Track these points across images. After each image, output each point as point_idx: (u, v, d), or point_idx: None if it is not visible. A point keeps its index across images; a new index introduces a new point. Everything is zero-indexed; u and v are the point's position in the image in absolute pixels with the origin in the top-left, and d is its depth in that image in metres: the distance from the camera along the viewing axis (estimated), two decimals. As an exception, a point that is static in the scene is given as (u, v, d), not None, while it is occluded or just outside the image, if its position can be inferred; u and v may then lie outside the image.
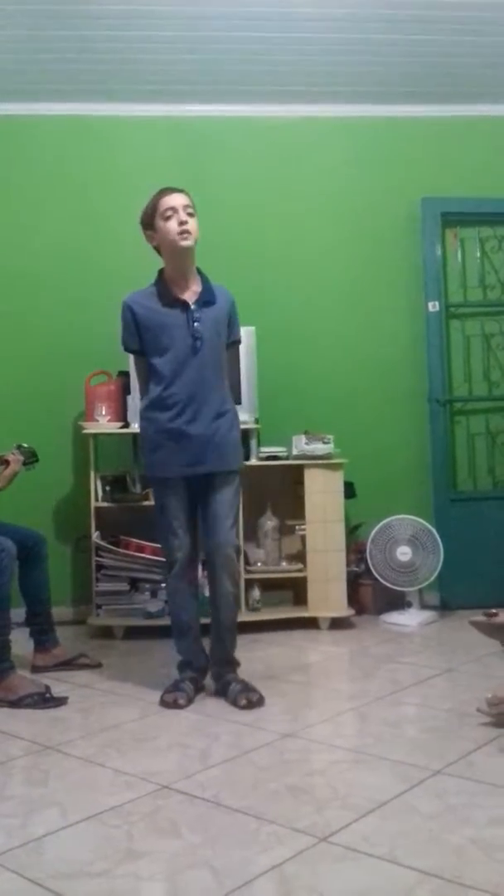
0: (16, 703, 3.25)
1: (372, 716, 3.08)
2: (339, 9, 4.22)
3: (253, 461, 4.52)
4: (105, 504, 4.61)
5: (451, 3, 4.20)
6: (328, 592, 4.58)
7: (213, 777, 2.52)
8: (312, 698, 3.49)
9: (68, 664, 3.82)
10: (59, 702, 3.30)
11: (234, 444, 3.40)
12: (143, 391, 3.44)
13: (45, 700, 3.28)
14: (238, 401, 3.90)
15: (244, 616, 4.25)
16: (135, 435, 4.60)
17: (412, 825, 2.13)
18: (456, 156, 5.29)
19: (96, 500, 4.60)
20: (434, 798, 2.30)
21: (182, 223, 3.25)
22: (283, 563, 4.72)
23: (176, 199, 3.28)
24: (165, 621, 3.84)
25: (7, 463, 3.82)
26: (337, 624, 4.59)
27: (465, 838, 2.04)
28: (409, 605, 4.78)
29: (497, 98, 5.21)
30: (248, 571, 4.57)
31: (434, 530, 4.79)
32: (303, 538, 4.66)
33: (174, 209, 3.26)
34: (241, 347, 4.12)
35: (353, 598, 4.79)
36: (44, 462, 4.01)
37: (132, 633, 4.49)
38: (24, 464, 3.88)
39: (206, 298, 3.36)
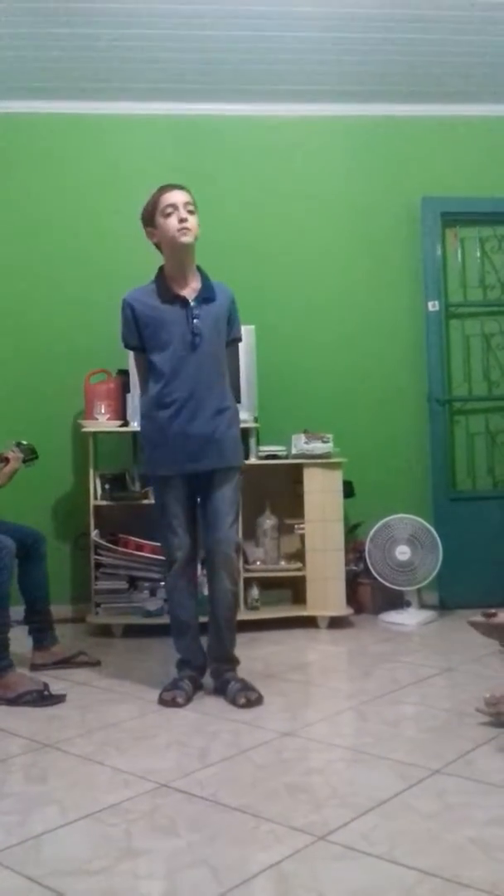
0: (14, 701, 3.26)
1: (371, 715, 3.08)
2: (338, 8, 4.22)
3: (252, 460, 4.52)
4: (104, 502, 4.61)
5: (451, 2, 4.20)
6: (327, 591, 4.59)
7: (211, 775, 2.52)
8: (311, 697, 3.49)
9: (67, 662, 3.82)
10: (58, 699, 3.30)
11: (234, 441, 3.39)
12: (144, 389, 3.44)
13: (44, 698, 3.28)
14: (238, 399, 3.90)
15: (243, 615, 4.25)
16: (134, 433, 4.61)
17: (411, 824, 2.13)
18: (456, 155, 5.29)
19: (95, 498, 4.60)
20: (433, 797, 2.30)
21: (182, 220, 3.25)
22: (282, 562, 4.72)
23: (176, 196, 3.28)
24: (164, 620, 3.84)
25: (7, 460, 3.82)
26: (336, 623, 4.60)
27: (464, 837, 2.04)
28: (408, 604, 4.78)
29: (497, 97, 5.21)
30: (246, 570, 4.57)
31: (433, 530, 4.79)
32: (302, 537, 4.66)
33: (174, 206, 3.26)
34: (241, 346, 4.12)
35: (352, 597, 4.79)
36: (43, 460, 4.02)
37: (131, 631, 4.49)
38: (24, 461, 3.88)
39: (206, 295, 3.36)
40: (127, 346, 3.45)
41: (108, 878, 1.90)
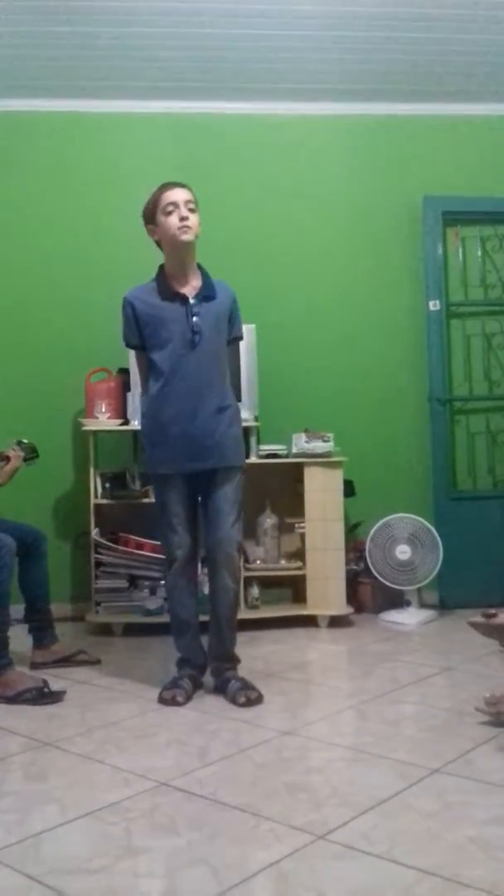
0: (13, 699, 3.25)
1: (371, 714, 3.08)
2: (339, 6, 4.21)
3: (253, 459, 4.52)
4: (105, 501, 4.61)
5: (452, 0, 4.19)
6: (327, 591, 4.58)
7: (211, 774, 2.52)
8: (311, 696, 3.49)
9: (67, 661, 3.82)
10: (57, 696, 3.30)
11: (235, 440, 3.39)
12: (145, 387, 3.44)
13: (43, 695, 3.28)
14: (238, 398, 3.89)
15: (243, 614, 4.24)
16: (135, 432, 4.61)
17: (411, 823, 2.13)
18: (458, 154, 5.29)
19: (96, 496, 4.60)
20: (433, 796, 2.30)
21: (183, 218, 3.25)
22: (283, 561, 4.72)
23: (178, 194, 3.28)
24: (164, 618, 3.84)
25: (7, 459, 3.83)
26: (336, 622, 4.59)
27: (464, 837, 2.04)
28: (408, 603, 4.77)
29: (500, 96, 5.20)
30: (247, 569, 4.57)
31: (433, 529, 4.79)
32: (302, 536, 4.66)
33: (175, 204, 3.26)
34: (242, 345, 4.11)
35: (352, 596, 4.79)
36: (44, 459, 4.02)
37: (131, 630, 4.49)
38: (25, 459, 3.89)
39: (206, 293, 3.35)
40: (128, 344, 3.45)
41: (108, 876, 1.90)
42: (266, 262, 5.16)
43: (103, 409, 4.65)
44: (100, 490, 4.62)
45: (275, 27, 4.38)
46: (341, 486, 4.63)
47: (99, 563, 4.57)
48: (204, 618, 3.44)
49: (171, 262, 3.38)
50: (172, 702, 3.23)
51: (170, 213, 3.26)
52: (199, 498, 3.40)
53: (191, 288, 3.36)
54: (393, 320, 5.25)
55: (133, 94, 5.03)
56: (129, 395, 4.61)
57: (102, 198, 5.09)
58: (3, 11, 4.15)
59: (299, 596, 4.69)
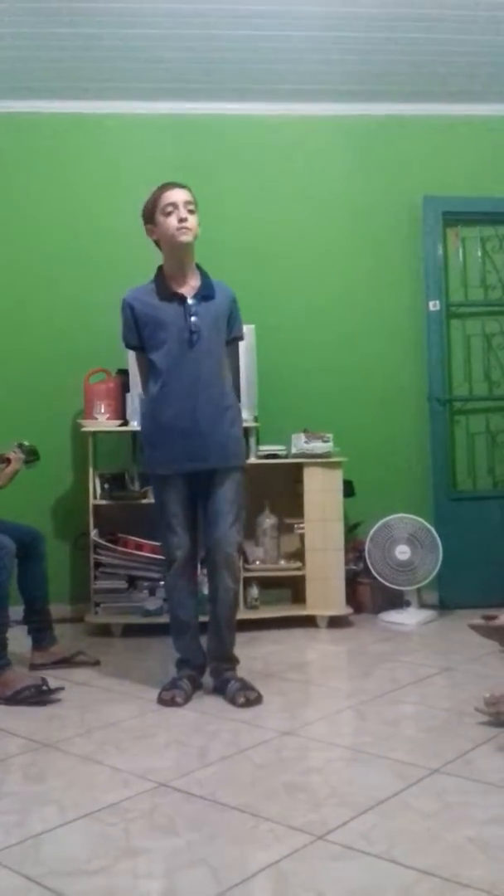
0: (12, 699, 3.25)
1: (370, 714, 3.08)
2: (340, 7, 4.21)
3: (252, 459, 4.51)
4: (104, 502, 4.61)
5: (453, 1, 4.19)
6: (327, 591, 4.58)
7: (210, 775, 2.52)
8: (311, 696, 3.49)
9: (66, 662, 3.82)
10: (56, 692, 3.29)
11: (235, 441, 3.39)
12: (145, 388, 3.44)
13: (42, 692, 3.27)
14: (238, 398, 3.89)
15: (242, 614, 4.24)
16: (134, 433, 4.61)
17: (410, 823, 2.13)
18: (458, 155, 5.28)
19: (95, 497, 4.59)
20: (432, 797, 2.30)
21: (182, 220, 3.25)
22: (282, 562, 4.72)
23: (177, 195, 3.28)
24: (164, 619, 3.84)
25: (8, 461, 3.83)
26: (335, 622, 4.59)
27: (463, 837, 2.04)
28: (408, 604, 4.77)
29: (500, 97, 5.20)
30: (246, 569, 4.56)
31: (433, 529, 4.78)
32: (301, 537, 4.66)
33: (174, 205, 3.26)
34: (241, 345, 4.11)
35: (352, 596, 4.79)
36: (43, 460, 4.02)
37: (130, 630, 4.49)
38: (26, 462, 3.89)
39: (205, 293, 3.35)
40: (128, 345, 3.45)
41: (108, 877, 1.90)
42: (266, 263, 5.15)
43: (102, 410, 4.65)
44: (99, 491, 4.62)
45: (275, 28, 4.38)
46: (341, 487, 4.63)
47: (98, 564, 4.57)
48: (203, 618, 3.44)
49: (169, 262, 3.38)
50: (172, 702, 3.23)
51: (169, 213, 3.26)
52: (199, 498, 3.40)
53: (189, 288, 3.36)
54: (393, 320, 5.25)
55: (134, 95, 5.03)
56: (128, 396, 4.61)
57: (102, 198, 5.09)
58: (5, 13, 4.14)
59: (299, 596, 4.69)
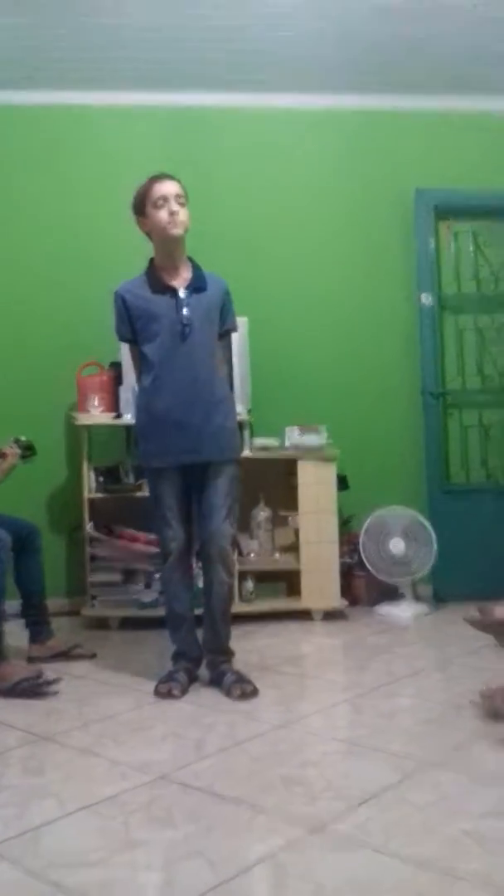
0: (10, 691, 3.25)
1: (366, 707, 3.10)
2: (333, -1, 4.22)
3: (246, 453, 4.51)
4: (98, 495, 4.61)
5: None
6: (321, 584, 4.60)
7: (207, 767, 2.53)
8: (306, 689, 3.50)
9: (63, 655, 3.83)
10: (53, 682, 3.30)
11: (229, 433, 3.39)
12: (139, 381, 3.45)
13: (39, 684, 3.28)
14: (231, 391, 3.89)
15: (238, 607, 4.24)
16: (128, 426, 4.61)
17: (406, 816, 2.15)
18: (450, 148, 5.27)
19: (90, 491, 4.60)
20: (428, 789, 2.31)
21: (173, 213, 3.25)
22: (277, 555, 4.74)
23: (167, 187, 3.27)
24: (160, 612, 3.85)
25: (4, 456, 3.83)
26: (330, 615, 4.61)
27: (459, 829, 2.05)
28: (403, 596, 4.79)
29: (491, 90, 5.18)
30: (241, 563, 4.57)
31: (427, 522, 4.80)
32: (296, 530, 4.67)
33: (165, 198, 3.25)
34: (234, 338, 4.10)
35: (347, 589, 4.80)
36: (38, 454, 4.02)
37: (127, 623, 4.50)
38: (22, 457, 3.89)
39: (197, 285, 3.36)
40: (121, 338, 3.45)
41: (106, 869, 1.92)
42: (258, 256, 5.15)
43: (96, 403, 4.65)
44: (93, 484, 4.62)
45: (265, 19, 4.37)
46: (335, 480, 4.64)
47: (94, 557, 4.58)
48: (199, 611, 3.45)
49: (160, 254, 3.38)
50: (168, 695, 3.24)
51: (160, 206, 3.26)
52: (194, 491, 3.41)
53: (181, 280, 3.36)
54: (385, 314, 5.25)
55: (125, 85, 5.00)
56: (122, 389, 4.61)
57: (94, 189, 5.06)
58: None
59: (293, 589, 4.70)
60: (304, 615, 4.58)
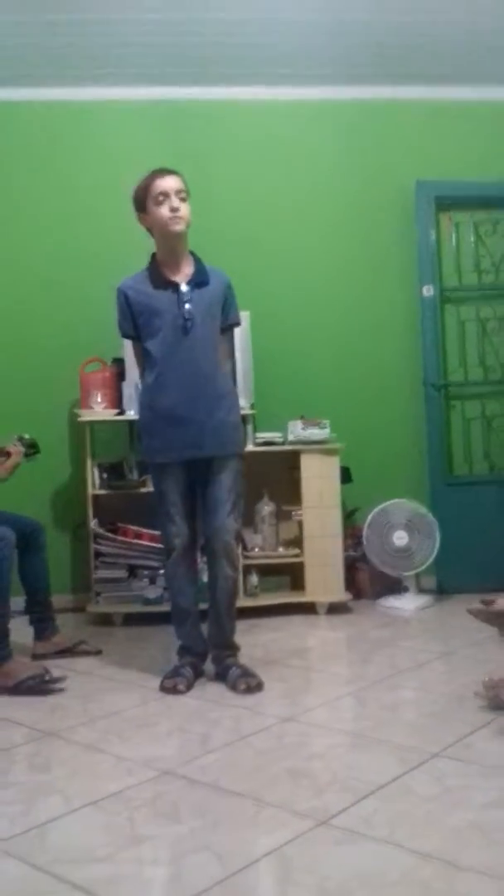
0: (15, 689, 3.26)
1: (370, 699, 3.11)
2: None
3: (249, 447, 4.52)
4: (102, 491, 4.62)
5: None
6: (325, 577, 4.60)
7: (213, 761, 2.54)
8: (311, 683, 3.51)
9: (68, 652, 3.84)
10: (58, 681, 3.31)
11: (233, 428, 3.39)
12: (142, 377, 3.45)
13: (45, 682, 3.29)
14: (234, 385, 3.90)
15: (242, 601, 4.26)
16: (131, 422, 4.62)
17: (411, 807, 2.16)
18: (450, 139, 5.27)
19: (94, 487, 4.61)
20: (432, 781, 2.32)
21: (174, 209, 3.24)
22: (281, 549, 4.74)
23: (168, 183, 3.25)
24: (164, 607, 3.86)
25: (8, 454, 3.84)
26: (334, 609, 4.62)
27: (464, 820, 2.06)
28: (406, 589, 4.80)
29: (492, 80, 5.18)
30: (245, 557, 4.58)
31: (430, 514, 4.80)
32: (300, 523, 4.67)
33: (166, 194, 3.24)
34: (237, 332, 4.10)
35: (351, 582, 4.81)
36: (41, 451, 4.03)
37: (131, 619, 4.51)
38: (26, 455, 3.91)
39: (199, 280, 3.35)
40: (124, 334, 3.45)
41: (113, 864, 1.92)
42: (259, 249, 5.15)
43: (99, 400, 4.65)
44: (97, 480, 4.63)
45: (264, 11, 4.36)
46: (338, 473, 4.65)
47: (98, 554, 4.59)
48: (203, 606, 3.46)
49: (162, 250, 3.37)
50: (174, 690, 3.25)
51: (161, 202, 3.24)
52: (198, 486, 3.41)
53: (183, 275, 3.36)
54: (387, 306, 5.25)
55: (123, 80, 5.00)
56: (124, 385, 4.62)
57: (95, 185, 5.06)
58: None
59: (298, 583, 4.71)
60: (308, 609, 4.59)
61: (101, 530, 4.57)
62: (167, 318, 3.29)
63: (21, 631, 3.75)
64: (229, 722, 2.90)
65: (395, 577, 4.80)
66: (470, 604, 3.41)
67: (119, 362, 4.69)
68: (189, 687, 3.29)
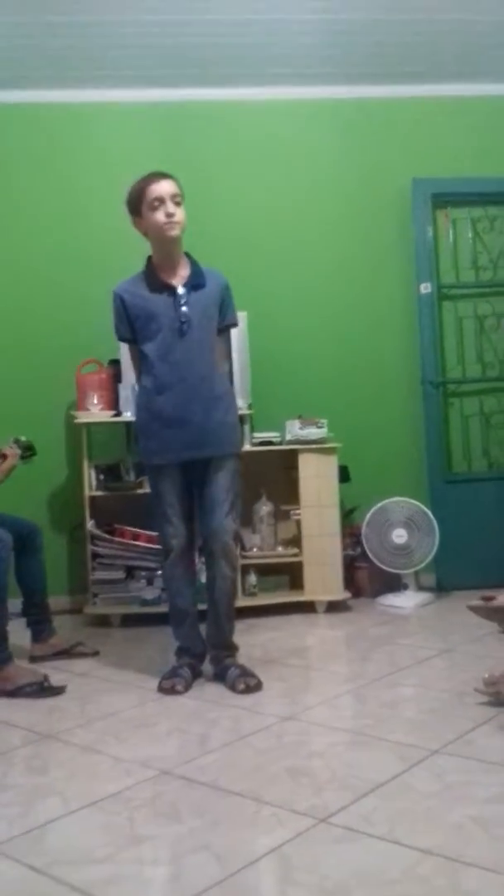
0: (14, 693, 3.26)
1: (370, 697, 3.10)
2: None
3: (246, 447, 4.51)
4: (99, 493, 4.61)
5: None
6: (324, 576, 4.59)
7: (212, 761, 2.52)
8: (310, 681, 3.50)
9: (66, 653, 3.83)
10: (58, 691, 3.30)
11: (230, 428, 3.38)
12: (139, 380, 3.44)
13: (44, 689, 3.28)
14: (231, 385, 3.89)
15: (241, 601, 4.26)
16: (127, 423, 4.61)
17: (411, 804, 2.14)
18: (446, 136, 5.26)
19: (90, 489, 4.59)
20: (433, 777, 2.31)
21: (169, 215, 3.22)
22: (279, 548, 4.73)
23: (163, 188, 3.23)
24: (162, 608, 3.86)
25: (4, 457, 3.83)
26: (333, 607, 4.61)
27: (464, 816, 2.05)
28: (405, 587, 4.79)
29: (488, 77, 5.18)
30: (244, 557, 4.58)
31: (429, 512, 4.79)
32: (298, 523, 4.66)
33: (161, 199, 3.22)
34: (234, 332, 4.08)
35: (350, 581, 4.80)
36: (38, 453, 4.01)
37: (129, 620, 4.50)
38: (22, 457, 3.89)
39: (196, 282, 3.34)
40: (120, 338, 3.43)
41: (113, 865, 1.91)
42: (257, 249, 5.14)
43: (95, 401, 4.64)
44: (94, 482, 4.62)
45: (261, 11, 4.36)
46: (336, 472, 4.64)
47: (95, 555, 4.58)
48: (202, 606, 3.45)
49: (158, 253, 3.36)
50: (172, 691, 3.23)
51: (156, 207, 3.22)
52: (195, 487, 3.40)
53: (179, 278, 3.34)
54: (385, 304, 5.24)
55: (121, 82, 5.00)
56: (121, 387, 4.61)
57: (92, 189, 5.06)
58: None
59: (296, 582, 4.70)
60: (307, 608, 4.58)
61: (98, 532, 4.56)
62: (164, 321, 3.28)
63: (18, 633, 3.73)
64: (228, 722, 2.89)
65: (395, 574, 4.78)
66: (469, 600, 3.40)
67: (116, 364, 4.68)
68: (187, 687, 3.27)
